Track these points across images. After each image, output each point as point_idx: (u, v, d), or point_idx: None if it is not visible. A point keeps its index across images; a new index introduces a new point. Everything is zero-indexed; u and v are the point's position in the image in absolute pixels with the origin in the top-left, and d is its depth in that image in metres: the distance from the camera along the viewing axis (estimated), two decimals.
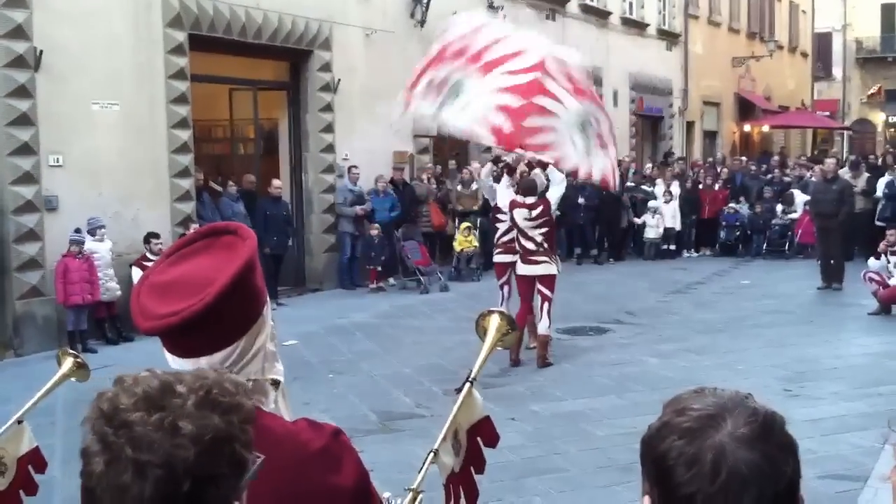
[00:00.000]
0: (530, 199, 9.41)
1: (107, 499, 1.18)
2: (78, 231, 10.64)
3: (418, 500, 2.15)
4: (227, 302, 1.64)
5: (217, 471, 1.20)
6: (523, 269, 9.50)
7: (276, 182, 13.88)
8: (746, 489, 1.21)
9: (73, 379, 3.04)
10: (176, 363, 1.70)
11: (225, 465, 1.20)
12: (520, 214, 9.43)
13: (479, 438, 2.49)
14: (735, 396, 1.30)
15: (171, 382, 1.22)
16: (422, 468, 2.27)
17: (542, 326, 9.44)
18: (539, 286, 9.42)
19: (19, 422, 2.87)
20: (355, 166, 14.93)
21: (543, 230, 9.38)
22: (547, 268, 9.40)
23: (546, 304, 9.37)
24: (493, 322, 2.68)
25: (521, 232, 9.44)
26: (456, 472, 2.41)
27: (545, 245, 9.39)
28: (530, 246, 9.40)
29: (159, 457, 1.16)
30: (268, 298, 1.81)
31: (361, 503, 1.71)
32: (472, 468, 2.46)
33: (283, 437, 1.66)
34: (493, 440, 2.53)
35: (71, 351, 3.06)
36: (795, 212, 18.32)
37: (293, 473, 1.32)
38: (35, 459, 2.94)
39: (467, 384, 2.51)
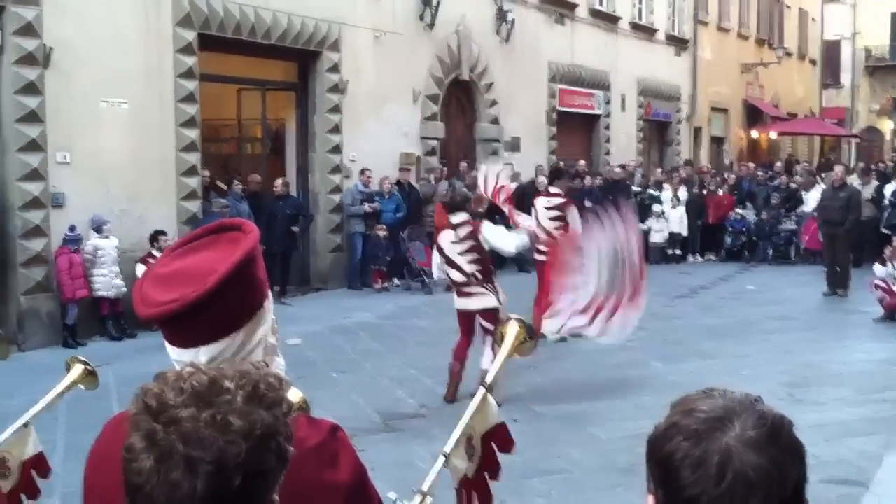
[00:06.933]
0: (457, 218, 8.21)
1: (157, 496, 1.18)
2: (73, 229, 10.68)
3: (427, 502, 2.13)
4: (227, 290, 1.65)
5: (266, 465, 1.21)
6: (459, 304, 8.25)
7: (278, 181, 13.81)
8: (752, 492, 1.20)
9: (81, 386, 3.03)
10: (175, 353, 1.72)
11: (273, 459, 1.22)
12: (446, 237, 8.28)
13: (493, 444, 2.48)
14: (744, 399, 1.29)
15: (218, 378, 1.23)
16: (433, 471, 2.25)
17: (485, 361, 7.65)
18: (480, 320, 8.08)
19: (25, 425, 2.87)
20: (368, 169, 14.92)
21: (471, 256, 8.11)
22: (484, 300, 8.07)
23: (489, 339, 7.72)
24: (511, 330, 2.66)
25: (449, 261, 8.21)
26: (469, 477, 2.40)
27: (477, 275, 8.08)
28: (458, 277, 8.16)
29: (211, 453, 1.16)
30: (269, 292, 1.82)
31: (357, 500, 1.70)
32: (486, 474, 2.45)
33: None
34: (508, 446, 2.53)
35: (81, 358, 3.04)
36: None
37: (289, 469, 1.33)
38: (39, 464, 2.94)
39: (482, 390, 2.50)
